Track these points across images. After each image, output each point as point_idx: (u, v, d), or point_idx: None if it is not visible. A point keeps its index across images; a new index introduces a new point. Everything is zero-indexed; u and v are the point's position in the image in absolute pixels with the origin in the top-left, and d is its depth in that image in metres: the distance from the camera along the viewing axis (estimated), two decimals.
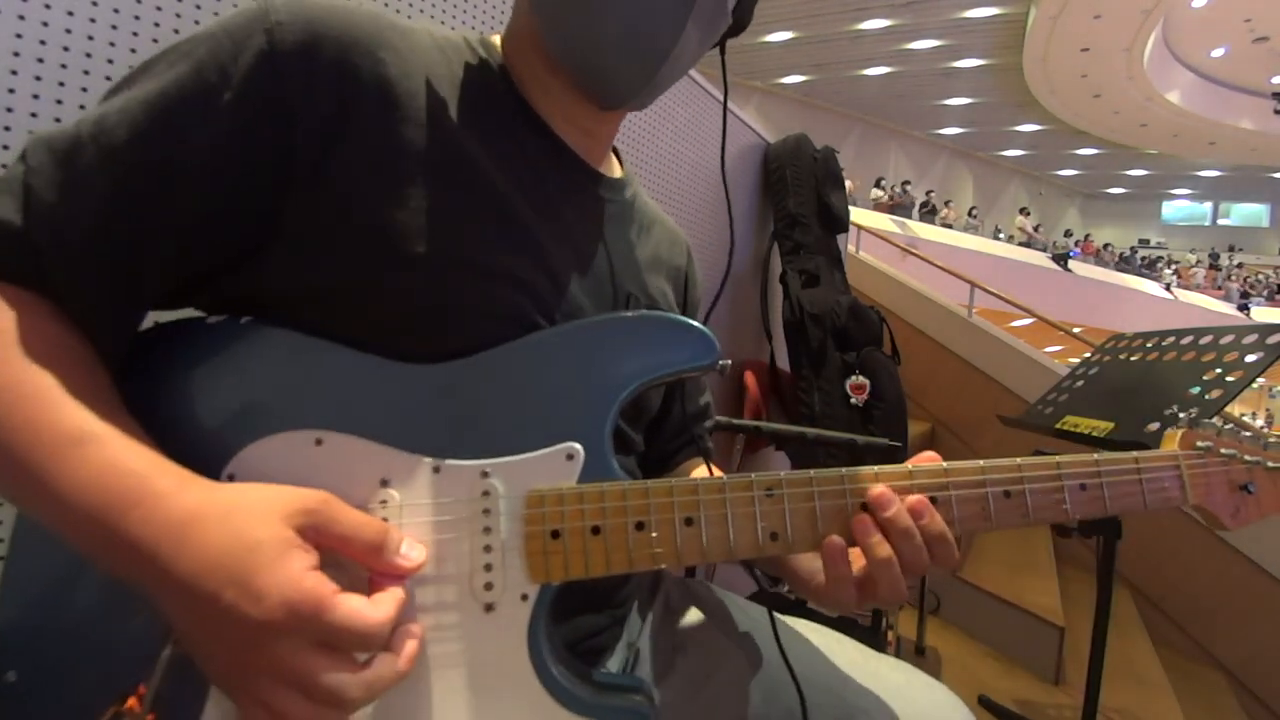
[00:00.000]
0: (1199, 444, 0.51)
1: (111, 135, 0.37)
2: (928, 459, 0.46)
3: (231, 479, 0.38)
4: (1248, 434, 0.52)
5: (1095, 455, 0.47)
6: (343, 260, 0.41)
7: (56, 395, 0.34)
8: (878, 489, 0.43)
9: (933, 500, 0.44)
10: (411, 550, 0.37)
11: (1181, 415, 0.83)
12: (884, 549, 0.42)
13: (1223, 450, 0.50)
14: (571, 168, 0.53)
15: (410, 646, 0.35)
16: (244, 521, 0.32)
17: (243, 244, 0.41)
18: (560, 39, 0.47)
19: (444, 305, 0.43)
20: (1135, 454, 0.48)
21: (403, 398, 0.41)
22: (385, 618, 0.33)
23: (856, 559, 0.44)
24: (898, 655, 0.67)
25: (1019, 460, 0.46)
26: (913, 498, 0.43)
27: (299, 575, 0.31)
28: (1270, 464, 0.51)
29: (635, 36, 0.46)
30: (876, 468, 0.44)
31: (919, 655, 1.98)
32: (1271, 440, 0.52)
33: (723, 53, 0.55)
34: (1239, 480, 0.50)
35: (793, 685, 0.53)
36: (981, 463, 0.45)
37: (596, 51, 0.47)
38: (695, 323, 0.46)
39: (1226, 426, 0.52)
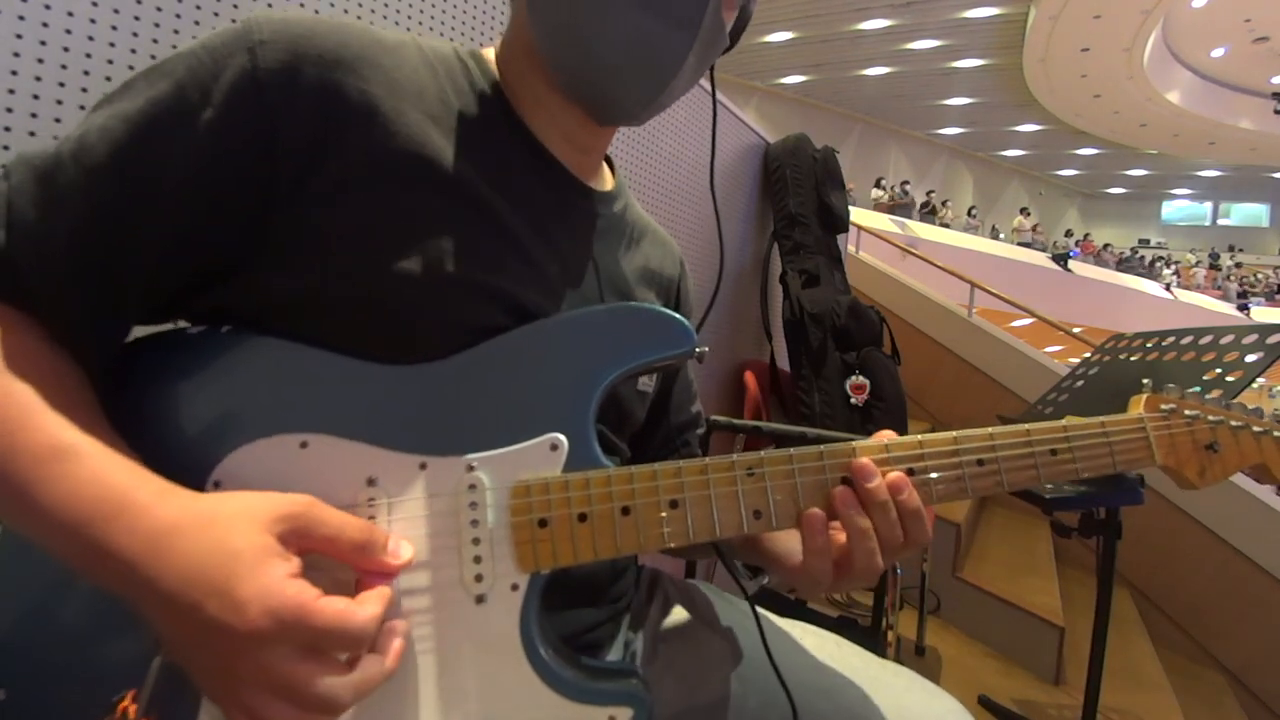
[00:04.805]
0: (1163, 407, 0.52)
1: (92, 153, 0.37)
2: (887, 437, 0.46)
3: (218, 486, 0.38)
4: (1210, 396, 0.53)
5: (1064, 421, 0.48)
6: (328, 274, 0.41)
7: (38, 410, 0.34)
8: (860, 461, 0.44)
9: (909, 472, 0.45)
10: (399, 547, 0.37)
11: None
12: (863, 520, 0.43)
13: (1186, 412, 0.52)
14: (561, 183, 0.53)
15: (396, 644, 0.35)
16: (223, 531, 0.32)
17: (225, 258, 0.41)
18: (558, 60, 0.47)
19: (429, 321, 0.43)
20: (1102, 419, 0.49)
21: (386, 398, 0.41)
22: (372, 616, 0.33)
23: (835, 535, 0.45)
24: (897, 655, 0.67)
25: (990, 430, 0.47)
26: (893, 475, 0.44)
27: (280, 583, 0.31)
28: (1234, 423, 0.52)
29: (635, 64, 0.46)
30: (855, 442, 0.45)
31: (919, 655, 1.98)
32: (1234, 401, 0.53)
33: (712, 70, 0.55)
34: (1204, 440, 0.51)
35: (787, 691, 0.53)
36: (955, 434, 0.46)
37: (596, 77, 0.47)
38: (671, 312, 0.46)
39: (1190, 390, 0.53)
